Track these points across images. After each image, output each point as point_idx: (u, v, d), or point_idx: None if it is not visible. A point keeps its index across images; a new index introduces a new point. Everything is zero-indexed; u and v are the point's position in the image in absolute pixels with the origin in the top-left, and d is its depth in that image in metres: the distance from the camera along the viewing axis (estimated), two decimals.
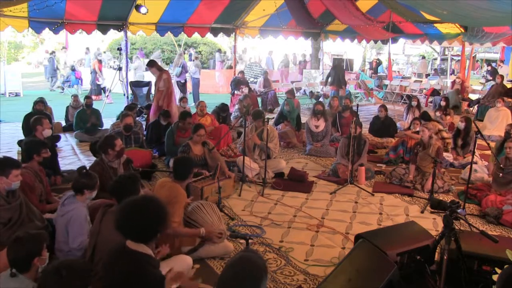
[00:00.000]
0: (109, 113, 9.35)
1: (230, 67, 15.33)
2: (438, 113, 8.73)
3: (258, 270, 1.84)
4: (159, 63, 11.30)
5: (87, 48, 17.88)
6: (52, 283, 2.05)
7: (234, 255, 1.99)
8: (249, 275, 1.81)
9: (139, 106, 9.75)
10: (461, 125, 6.76)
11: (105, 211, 3.00)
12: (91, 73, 13.37)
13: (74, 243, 3.33)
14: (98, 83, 13.20)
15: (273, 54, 19.20)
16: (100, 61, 13.65)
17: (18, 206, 3.46)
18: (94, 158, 5.86)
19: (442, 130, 7.32)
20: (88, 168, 4.69)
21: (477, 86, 15.67)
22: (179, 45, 18.76)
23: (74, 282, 2.07)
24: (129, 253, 2.22)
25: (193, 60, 13.19)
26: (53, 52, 16.95)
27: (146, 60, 12.57)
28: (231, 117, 9.10)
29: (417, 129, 7.09)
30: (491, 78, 11.57)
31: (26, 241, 2.44)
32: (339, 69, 12.35)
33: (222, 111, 8.59)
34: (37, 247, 2.49)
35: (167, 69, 11.98)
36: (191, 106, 10.32)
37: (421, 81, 15.36)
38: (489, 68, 16.19)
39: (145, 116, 8.79)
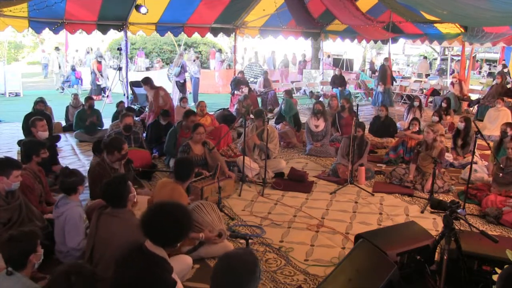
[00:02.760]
0: (109, 113, 9.34)
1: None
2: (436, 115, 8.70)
3: (246, 264, 1.82)
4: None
5: (90, 48, 17.89)
6: None
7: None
8: (236, 270, 1.80)
9: (139, 106, 9.75)
10: (461, 125, 6.76)
11: (101, 212, 3.00)
12: (91, 73, 13.37)
13: (72, 242, 3.34)
14: (98, 83, 13.19)
15: (274, 54, 19.21)
16: (100, 62, 13.64)
17: (17, 207, 3.46)
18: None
19: (443, 135, 7.25)
20: (88, 168, 4.72)
21: (477, 86, 15.57)
22: (179, 45, 18.78)
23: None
24: (147, 254, 2.22)
25: (194, 60, 13.19)
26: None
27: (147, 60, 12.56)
28: None
29: (416, 129, 7.10)
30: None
31: (20, 239, 2.44)
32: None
33: (228, 120, 8.51)
34: (31, 243, 2.49)
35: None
36: (191, 106, 10.32)
37: (421, 81, 15.31)
38: (506, 70, 15.42)
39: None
